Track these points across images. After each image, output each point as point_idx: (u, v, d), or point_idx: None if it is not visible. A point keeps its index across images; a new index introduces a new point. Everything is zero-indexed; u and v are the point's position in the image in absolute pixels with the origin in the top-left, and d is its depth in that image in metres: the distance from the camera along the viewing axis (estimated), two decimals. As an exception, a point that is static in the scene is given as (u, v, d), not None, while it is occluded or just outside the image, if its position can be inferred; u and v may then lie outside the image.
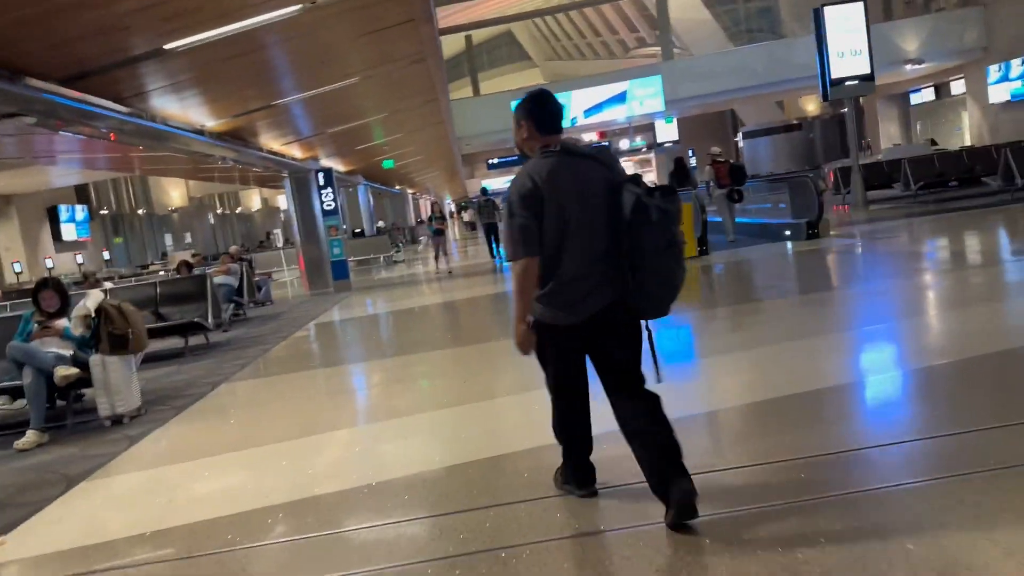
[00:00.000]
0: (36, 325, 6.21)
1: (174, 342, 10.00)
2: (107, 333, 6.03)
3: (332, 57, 9.46)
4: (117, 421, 6.08)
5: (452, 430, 4.76)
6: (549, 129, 2.96)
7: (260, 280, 14.96)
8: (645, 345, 2.94)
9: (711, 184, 13.61)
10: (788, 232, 13.31)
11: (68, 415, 6.23)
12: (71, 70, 6.71)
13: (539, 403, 3.47)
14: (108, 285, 11.80)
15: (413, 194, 47.24)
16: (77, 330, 6.10)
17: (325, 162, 17.97)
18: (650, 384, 2.98)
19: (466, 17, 38.87)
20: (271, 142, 13.91)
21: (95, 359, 6.05)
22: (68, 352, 6.14)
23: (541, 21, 54.98)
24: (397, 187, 37.31)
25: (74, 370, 5.86)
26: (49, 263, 22.99)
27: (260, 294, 13.80)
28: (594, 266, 2.83)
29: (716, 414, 4.46)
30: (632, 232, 2.71)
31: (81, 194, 29.28)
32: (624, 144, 33.91)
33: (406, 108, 14.60)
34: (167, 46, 6.83)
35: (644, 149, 39.16)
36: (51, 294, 6.34)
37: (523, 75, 56.22)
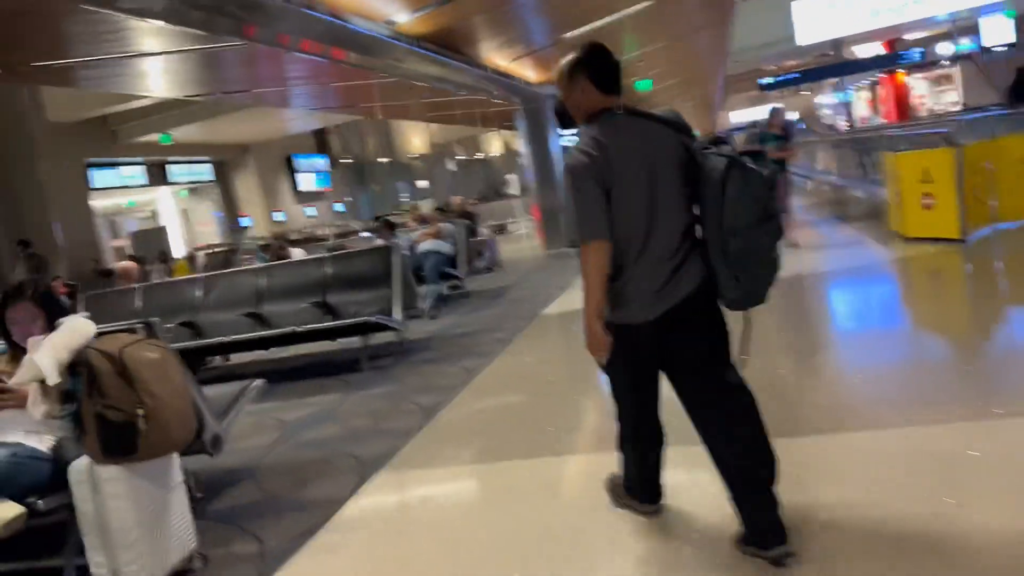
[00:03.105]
0: (-9, 381, 3.03)
1: (353, 344, 6.88)
2: (94, 417, 2.71)
3: None
4: (129, 599, 2.79)
5: None
6: (611, 87, 2.48)
7: (485, 239, 11.65)
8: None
9: None
10: None
11: None
12: None
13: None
14: (297, 253, 9.05)
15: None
16: (38, 409, 2.83)
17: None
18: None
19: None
20: (495, 56, 10.33)
21: (78, 469, 2.77)
22: (43, 443, 2.93)
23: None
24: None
25: (15, 510, 2.62)
26: (278, 216, 21.89)
27: (482, 260, 10.44)
28: (674, 249, 2.41)
29: None
30: (721, 204, 2.27)
31: (321, 143, 28.41)
32: (946, 48, 26.32)
33: (679, -7, 10.25)
34: None
35: (947, 61, 30.92)
36: (28, 311, 3.12)
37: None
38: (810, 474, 2.97)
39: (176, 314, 6.63)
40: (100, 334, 3.05)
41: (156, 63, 8.58)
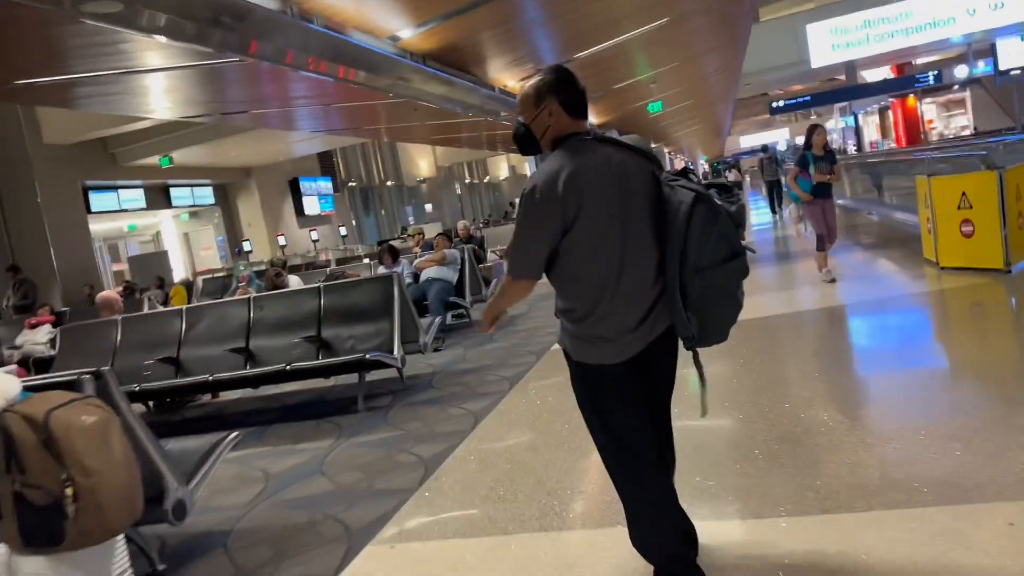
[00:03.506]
0: None
1: (350, 380, 6.39)
2: (12, 497, 2.21)
3: None
4: None
5: None
6: (580, 112, 2.34)
7: (492, 265, 11.17)
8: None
9: None
10: None
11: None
12: None
13: None
14: (293, 281, 8.58)
15: (669, 153, 41.99)
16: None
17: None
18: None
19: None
20: (504, 75, 9.93)
21: (-6, 560, 2.28)
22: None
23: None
24: (653, 143, 32.40)
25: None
26: (282, 240, 21.44)
27: (490, 289, 9.95)
28: (649, 285, 2.26)
29: None
30: (685, 240, 2.17)
31: (326, 165, 28.06)
32: (962, 71, 25.93)
33: (695, 11, 9.83)
34: None
35: (958, 85, 30.72)
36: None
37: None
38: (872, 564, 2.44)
39: (158, 349, 6.15)
40: (32, 388, 2.56)
41: (155, 81, 8.21)
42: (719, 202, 2.20)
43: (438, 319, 7.08)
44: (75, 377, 2.80)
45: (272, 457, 4.86)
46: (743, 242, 2.27)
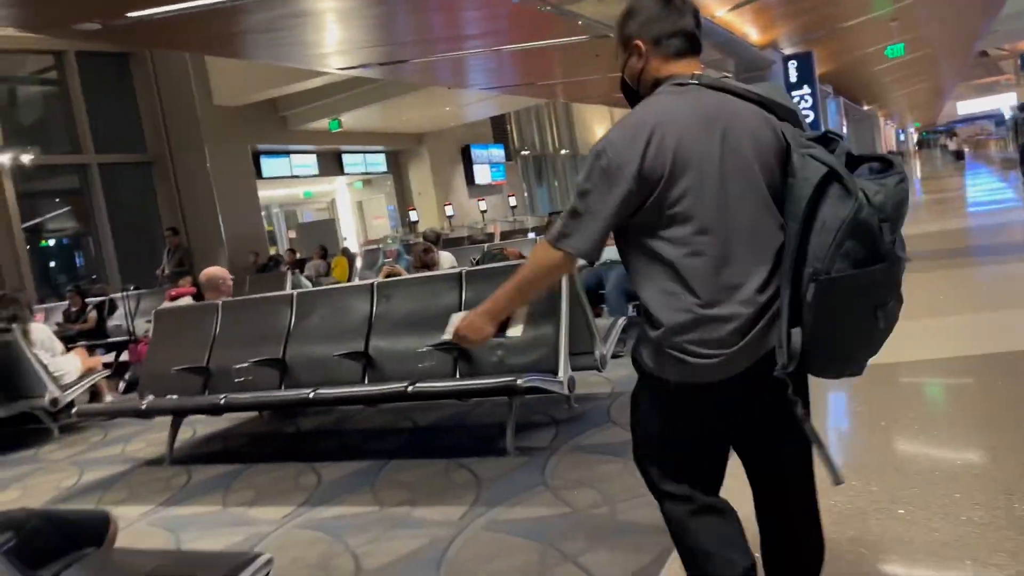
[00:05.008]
0: None
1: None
2: None
3: None
4: None
5: None
6: (683, 48, 1.71)
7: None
8: None
9: None
10: None
11: None
12: None
13: None
14: (445, 259, 7.18)
15: (883, 117, 37.07)
16: None
17: (789, 52, 11.32)
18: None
19: None
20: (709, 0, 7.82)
21: None
22: None
23: None
24: (866, 105, 28.32)
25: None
26: (449, 211, 20.39)
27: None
28: (763, 281, 1.62)
29: None
30: (811, 231, 1.53)
31: (499, 132, 26.87)
32: None
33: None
34: None
35: None
36: None
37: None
38: None
39: (262, 343, 4.81)
40: None
41: (319, 23, 7.11)
42: (868, 186, 1.49)
43: (621, 320, 5.23)
44: None
45: (376, 529, 3.29)
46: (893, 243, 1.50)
